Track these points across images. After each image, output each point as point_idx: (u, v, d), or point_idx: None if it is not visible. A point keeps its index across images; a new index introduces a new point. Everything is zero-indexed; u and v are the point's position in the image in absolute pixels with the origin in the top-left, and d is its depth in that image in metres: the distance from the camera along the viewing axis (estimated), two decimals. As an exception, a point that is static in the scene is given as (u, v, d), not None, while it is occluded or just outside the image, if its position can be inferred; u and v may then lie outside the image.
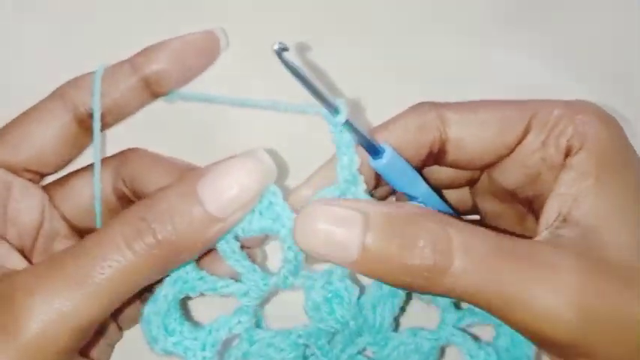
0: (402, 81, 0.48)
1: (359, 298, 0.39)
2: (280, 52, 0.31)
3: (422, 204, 0.38)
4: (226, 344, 0.38)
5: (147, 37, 0.41)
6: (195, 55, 0.41)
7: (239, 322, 0.37)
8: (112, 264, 0.32)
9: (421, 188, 0.37)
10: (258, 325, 0.39)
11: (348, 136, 0.34)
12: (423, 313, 0.42)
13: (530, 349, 0.40)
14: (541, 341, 0.32)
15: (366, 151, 0.35)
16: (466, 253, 0.30)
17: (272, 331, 0.38)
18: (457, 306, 0.41)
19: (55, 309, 0.31)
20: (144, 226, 0.32)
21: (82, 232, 0.43)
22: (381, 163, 0.35)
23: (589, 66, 0.49)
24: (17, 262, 0.37)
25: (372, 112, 0.44)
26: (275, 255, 0.41)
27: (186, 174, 0.34)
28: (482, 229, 0.32)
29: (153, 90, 0.40)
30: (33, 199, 0.40)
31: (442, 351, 0.42)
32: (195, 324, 0.38)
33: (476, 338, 0.41)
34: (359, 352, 0.41)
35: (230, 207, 0.33)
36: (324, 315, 0.38)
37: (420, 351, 0.40)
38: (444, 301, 0.40)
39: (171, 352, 0.36)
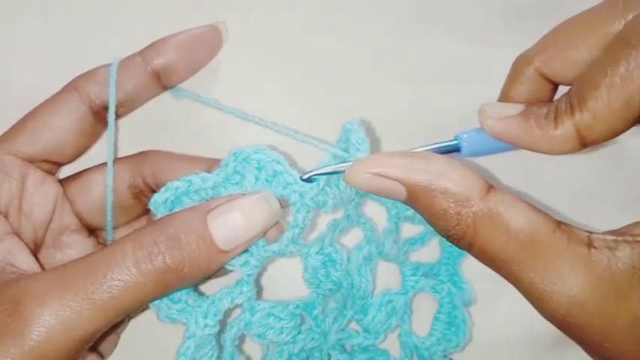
0: (400, 81, 0.48)
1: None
2: (309, 180, 0.36)
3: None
4: (227, 315, 0.39)
5: (150, 36, 0.42)
6: (200, 48, 0.43)
7: (241, 292, 0.38)
8: (120, 284, 0.33)
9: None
10: (258, 296, 0.40)
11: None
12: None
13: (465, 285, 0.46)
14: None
15: None
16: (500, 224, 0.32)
17: (272, 302, 0.40)
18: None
19: (61, 320, 0.32)
20: (155, 250, 0.33)
21: (92, 228, 0.43)
22: None
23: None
24: (26, 261, 0.38)
25: (372, 112, 0.46)
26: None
27: (198, 204, 0.36)
28: (525, 204, 0.32)
29: (162, 82, 0.42)
30: (46, 192, 0.41)
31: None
32: (202, 294, 0.39)
33: (435, 277, 0.46)
34: (346, 325, 0.44)
35: (235, 242, 0.35)
36: (321, 279, 0.41)
37: (395, 308, 0.44)
38: (400, 255, 0.45)
39: (175, 319, 0.37)
